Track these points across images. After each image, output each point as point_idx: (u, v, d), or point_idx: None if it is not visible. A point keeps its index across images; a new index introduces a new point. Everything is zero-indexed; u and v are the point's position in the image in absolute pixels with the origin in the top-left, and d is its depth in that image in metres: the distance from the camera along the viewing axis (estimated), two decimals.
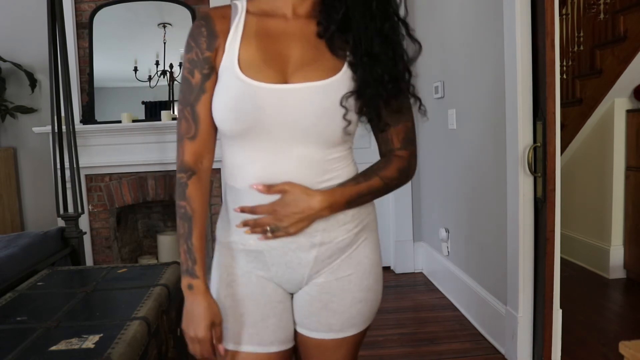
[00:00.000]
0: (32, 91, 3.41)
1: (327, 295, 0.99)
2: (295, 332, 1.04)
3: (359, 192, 0.95)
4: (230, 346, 0.99)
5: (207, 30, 0.93)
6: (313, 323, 1.01)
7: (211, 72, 0.93)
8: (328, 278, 0.99)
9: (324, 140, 0.92)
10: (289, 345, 1.02)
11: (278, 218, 0.91)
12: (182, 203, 0.96)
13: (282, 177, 0.91)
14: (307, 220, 0.92)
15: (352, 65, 0.92)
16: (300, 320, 1.02)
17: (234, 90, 0.89)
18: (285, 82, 0.90)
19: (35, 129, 3.29)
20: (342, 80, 0.91)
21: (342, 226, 0.97)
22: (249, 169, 0.93)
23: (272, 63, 0.91)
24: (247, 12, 0.96)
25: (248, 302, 0.98)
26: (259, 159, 0.92)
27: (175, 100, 3.51)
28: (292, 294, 1.03)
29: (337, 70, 0.91)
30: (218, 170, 3.43)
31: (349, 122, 0.91)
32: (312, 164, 0.92)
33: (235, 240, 0.99)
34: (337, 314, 1.00)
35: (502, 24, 2.15)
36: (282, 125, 0.89)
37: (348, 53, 0.93)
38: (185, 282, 0.96)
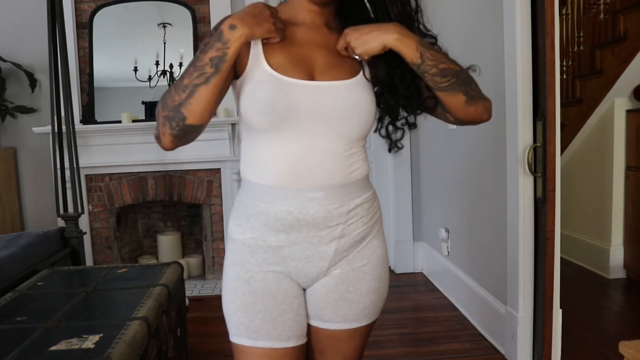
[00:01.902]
0: (32, 91, 3.41)
1: (343, 285, 1.03)
2: (308, 326, 1.07)
3: (434, 49, 0.97)
4: (248, 342, 1.01)
5: None
6: (328, 314, 1.05)
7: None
8: (344, 269, 1.03)
9: (349, 134, 0.97)
10: (304, 340, 1.05)
11: (352, 37, 0.95)
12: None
13: (312, 170, 0.95)
14: (378, 38, 0.94)
15: (373, 83, 1.02)
16: (315, 312, 1.06)
17: (269, 84, 0.93)
18: (314, 80, 0.96)
19: (35, 129, 3.29)
20: (364, 80, 1.00)
21: (360, 219, 1.01)
22: (277, 162, 0.96)
23: (298, 65, 0.96)
24: None
25: (266, 299, 1.00)
26: (288, 152, 0.95)
27: None
28: (304, 289, 1.06)
29: (357, 72, 1.00)
30: (218, 171, 3.43)
31: (373, 117, 1.00)
32: (337, 158, 0.97)
33: (254, 236, 1.00)
34: (352, 304, 1.04)
35: (502, 24, 2.15)
36: (315, 119, 0.94)
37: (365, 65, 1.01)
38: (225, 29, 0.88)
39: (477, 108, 1.01)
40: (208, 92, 0.87)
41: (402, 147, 1.09)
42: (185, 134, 0.90)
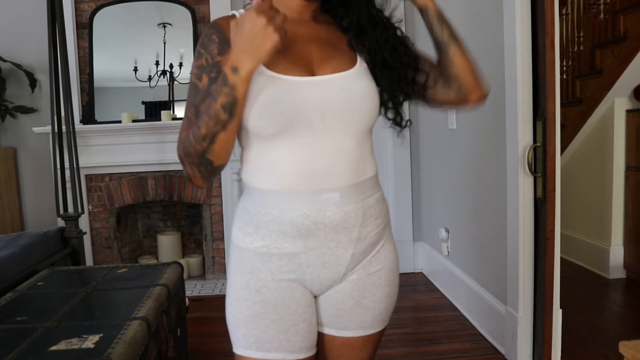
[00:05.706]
0: (32, 91, 3.41)
1: (359, 291, 1.01)
2: (319, 334, 1.04)
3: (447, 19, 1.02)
4: (258, 354, 0.96)
5: (219, 37, 0.93)
6: (343, 321, 1.02)
7: (219, 75, 0.88)
8: (360, 274, 1.01)
9: (358, 126, 0.95)
10: (314, 350, 1.01)
11: None
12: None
13: (326, 170, 0.92)
14: None
15: (367, 63, 1.00)
16: (329, 320, 1.03)
17: (271, 87, 0.89)
18: (314, 76, 0.94)
19: (35, 129, 3.29)
20: (363, 69, 0.98)
21: (374, 220, 0.99)
22: (289, 166, 0.92)
23: (296, 62, 0.93)
24: None
25: (279, 308, 0.96)
26: (299, 154, 0.91)
27: (175, 100, 3.51)
28: (315, 297, 1.02)
29: (354, 62, 0.98)
30: None
31: (377, 104, 0.98)
32: (350, 154, 0.94)
33: (266, 244, 0.96)
34: (368, 310, 1.02)
35: (502, 24, 2.15)
36: (324, 115, 0.91)
37: (359, 53, 1.00)
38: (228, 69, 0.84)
39: (478, 69, 1.03)
40: (228, 136, 0.88)
41: (411, 123, 1.06)
42: (215, 172, 0.93)
